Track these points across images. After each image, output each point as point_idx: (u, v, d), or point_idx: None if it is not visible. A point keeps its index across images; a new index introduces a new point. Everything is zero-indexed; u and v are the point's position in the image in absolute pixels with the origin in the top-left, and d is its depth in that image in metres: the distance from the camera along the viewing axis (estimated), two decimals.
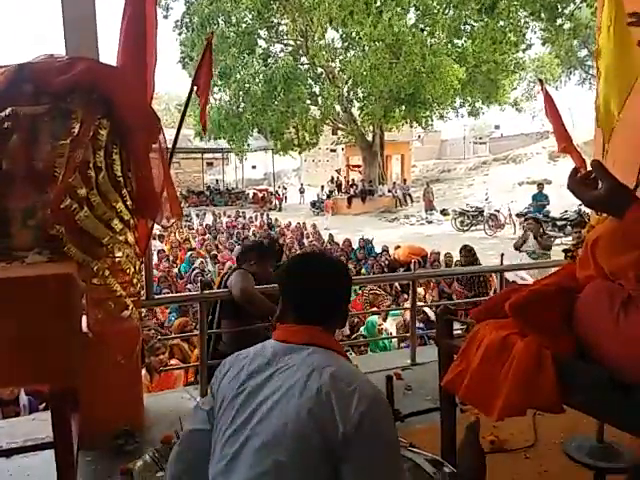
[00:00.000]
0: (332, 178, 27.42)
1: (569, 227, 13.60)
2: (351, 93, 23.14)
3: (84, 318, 2.37)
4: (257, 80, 20.50)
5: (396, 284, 7.58)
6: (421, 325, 5.42)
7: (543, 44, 23.05)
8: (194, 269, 8.90)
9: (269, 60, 21.47)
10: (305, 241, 13.17)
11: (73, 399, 2.12)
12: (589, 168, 1.40)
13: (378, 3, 19.19)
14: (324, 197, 24.93)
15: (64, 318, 1.66)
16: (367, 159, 25.27)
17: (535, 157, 25.69)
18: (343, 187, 26.12)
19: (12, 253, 1.77)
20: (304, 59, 22.27)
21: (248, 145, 23.34)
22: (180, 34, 21.15)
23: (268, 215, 19.69)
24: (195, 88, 2.68)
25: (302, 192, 28.88)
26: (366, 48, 20.26)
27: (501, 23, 19.49)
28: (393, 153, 29.53)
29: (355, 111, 23.55)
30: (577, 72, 28.09)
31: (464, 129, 35.31)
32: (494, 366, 1.53)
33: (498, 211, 17.30)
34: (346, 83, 22.49)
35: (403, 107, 21.92)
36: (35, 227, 1.79)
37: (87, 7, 2.56)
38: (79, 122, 1.86)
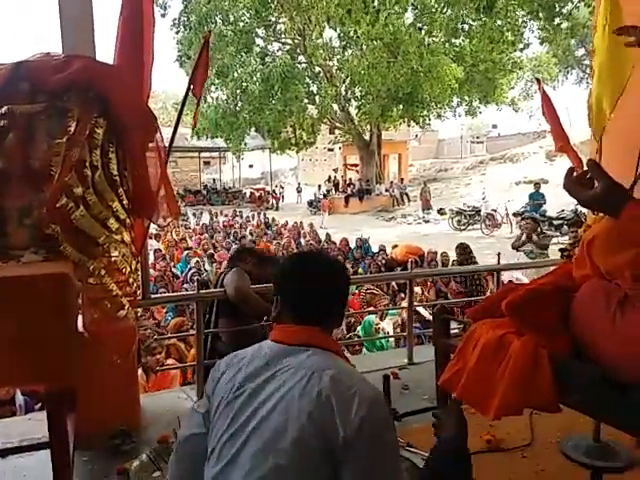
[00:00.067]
0: (329, 177, 27.42)
1: (566, 226, 13.61)
2: (349, 92, 23.15)
3: (80, 318, 2.36)
4: (254, 79, 20.46)
5: (393, 283, 7.59)
6: (417, 325, 5.42)
7: (541, 43, 23.15)
8: (190, 268, 8.89)
9: (266, 59, 21.45)
10: (302, 240, 13.17)
11: (69, 399, 2.11)
12: (585, 168, 1.40)
13: (376, 2, 19.17)
14: (321, 196, 24.93)
15: (60, 318, 1.65)
16: (364, 158, 25.28)
17: (532, 156, 25.71)
18: (340, 186, 26.12)
19: (8, 252, 1.76)
20: (302, 58, 22.26)
21: (245, 144, 23.32)
22: (177, 33, 21.10)
23: (265, 214, 19.65)
24: (192, 87, 2.68)
25: (299, 191, 28.88)
26: (364, 47, 20.29)
27: (499, 22, 19.52)
28: (390, 152, 29.54)
29: (352, 110, 23.57)
30: (574, 71, 28.18)
31: (461, 128, 35.40)
32: (491, 365, 1.53)
33: (495, 210, 17.34)
34: (344, 82, 22.49)
35: (400, 106, 21.94)
36: (31, 226, 1.78)
37: (84, 5, 2.55)
38: (75, 121, 1.85)
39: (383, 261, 9.52)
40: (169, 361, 4.65)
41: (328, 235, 13.50)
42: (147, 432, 2.78)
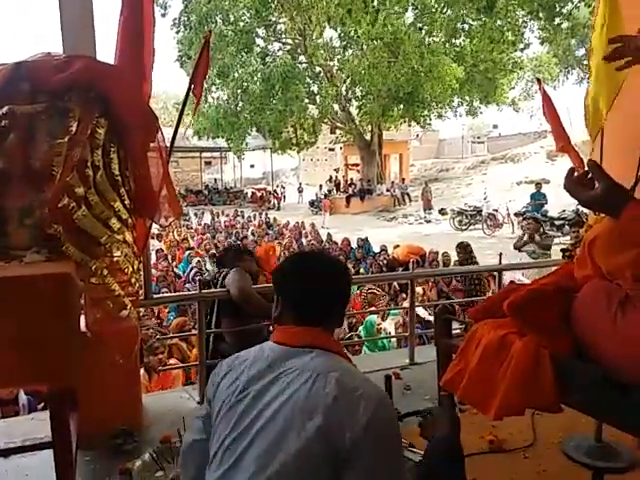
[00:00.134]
0: (330, 177, 27.41)
1: (567, 227, 13.60)
2: (349, 92, 23.15)
3: (82, 317, 2.36)
4: (255, 79, 20.47)
5: (395, 283, 7.59)
6: (417, 325, 5.42)
7: (541, 43, 23.12)
8: (192, 268, 8.90)
9: (267, 59, 21.44)
10: (304, 240, 13.17)
11: (72, 399, 2.12)
12: (586, 168, 1.40)
13: (376, 2, 19.18)
14: (322, 196, 24.91)
15: (62, 318, 1.66)
16: (365, 158, 25.27)
17: (533, 156, 25.70)
18: (341, 186, 26.12)
19: (10, 252, 1.76)
20: (302, 58, 22.24)
21: (246, 144, 23.32)
22: (178, 32, 21.09)
23: (267, 214, 19.68)
24: (192, 87, 2.68)
25: (300, 191, 28.88)
26: (364, 47, 20.28)
27: (499, 22, 19.52)
28: (391, 152, 29.54)
29: (353, 110, 23.55)
30: (575, 71, 28.11)
31: (462, 128, 35.35)
32: (492, 365, 1.53)
33: (496, 210, 17.32)
34: (344, 82, 22.48)
35: (401, 106, 21.92)
36: (33, 226, 1.78)
37: (85, 5, 2.56)
38: (76, 121, 1.85)
39: (384, 261, 9.53)
40: (171, 361, 4.66)
41: (329, 235, 13.50)
42: (149, 432, 2.78)
